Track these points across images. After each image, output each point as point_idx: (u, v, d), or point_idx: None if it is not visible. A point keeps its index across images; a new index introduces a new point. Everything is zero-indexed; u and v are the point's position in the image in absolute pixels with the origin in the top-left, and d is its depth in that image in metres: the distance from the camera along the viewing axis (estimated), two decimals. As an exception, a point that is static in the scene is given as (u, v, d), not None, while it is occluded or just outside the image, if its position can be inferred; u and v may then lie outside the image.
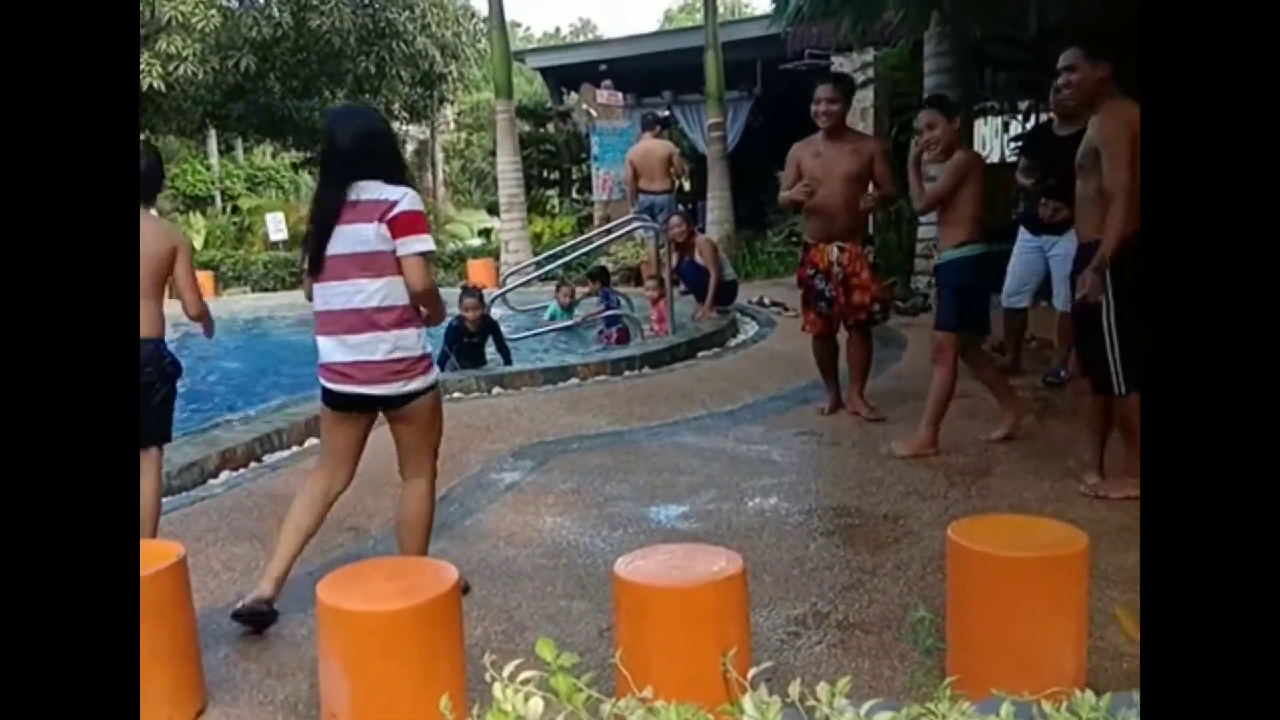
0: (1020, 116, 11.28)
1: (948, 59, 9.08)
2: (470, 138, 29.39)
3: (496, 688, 1.64)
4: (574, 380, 6.17)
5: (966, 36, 8.76)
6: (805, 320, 5.26)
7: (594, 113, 12.26)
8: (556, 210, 15.23)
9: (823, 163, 4.94)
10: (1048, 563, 2.26)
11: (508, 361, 7.04)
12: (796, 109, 13.00)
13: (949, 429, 4.59)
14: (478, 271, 12.60)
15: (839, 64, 11.43)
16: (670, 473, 4.37)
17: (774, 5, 7.95)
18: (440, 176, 26.30)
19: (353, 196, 2.82)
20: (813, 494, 4.01)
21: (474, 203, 28.46)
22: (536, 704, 1.63)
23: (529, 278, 10.21)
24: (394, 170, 2.90)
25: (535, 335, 8.26)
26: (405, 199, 2.81)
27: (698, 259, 8.34)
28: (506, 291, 9.02)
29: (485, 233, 17.73)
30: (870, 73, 10.73)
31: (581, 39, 36.38)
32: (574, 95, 14.66)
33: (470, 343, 7.15)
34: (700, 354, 6.86)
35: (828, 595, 3.05)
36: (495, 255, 13.35)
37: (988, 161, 11.38)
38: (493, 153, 14.72)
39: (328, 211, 2.85)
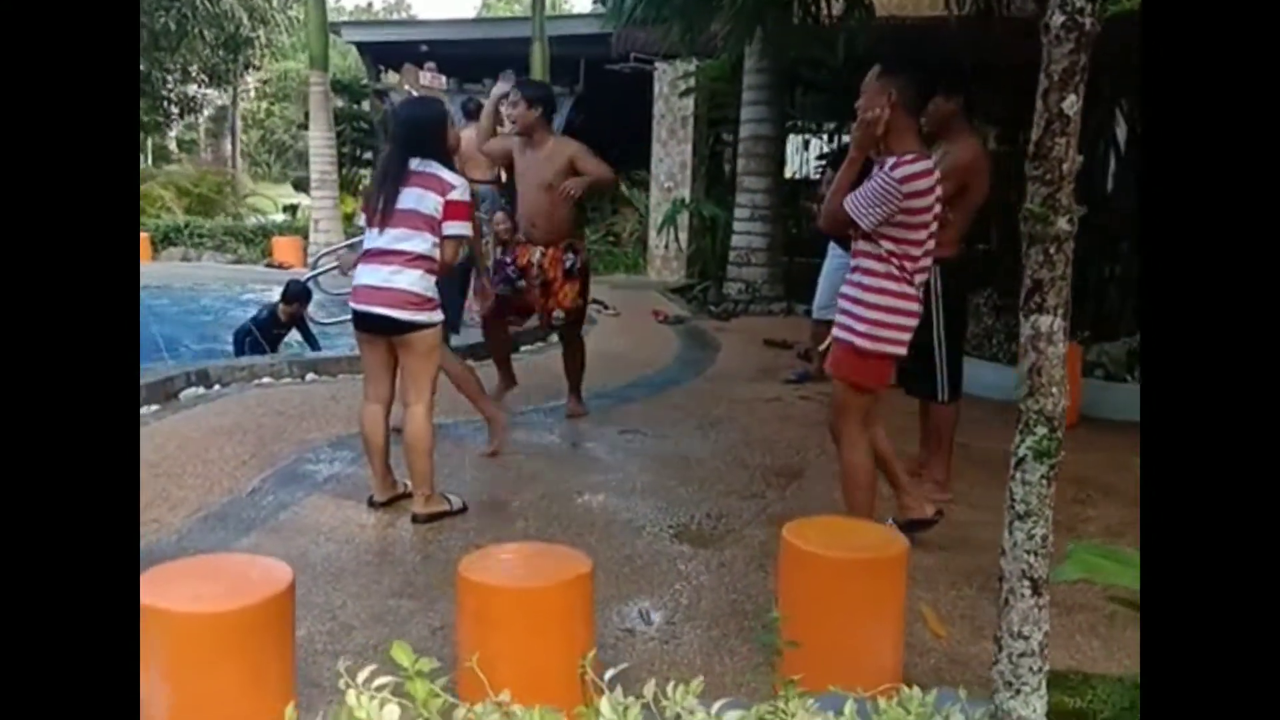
0: (825, 136, 11.94)
1: (766, 76, 9.49)
2: (273, 108, 27.90)
3: (350, 694, 1.59)
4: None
5: (783, 57, 9.16)
6: (481, 298, 5.12)
7: (415, 94, 11.92)
8: (369, 191, 14.73)
9: (523, 167, 5.01)
10: (873, 564, 2.40)
11: (315, 349, 6.76)
12: (618, 109, 13.22)
13: (770, 432, 4.78)
14: (284, 249, 12.00)
15: (662, 70, 11.67)
16: (496, 468, 4.34)
17: (607, 5, 8.01)
18: (239, 146, 24.82)
19: (415, 167, 3.56)
20: (638, 492, 4.08)
21: (272, 176, 27.04)
22: (392, 711, 1.59)
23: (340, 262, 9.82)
24: (446, 156, 3.67)
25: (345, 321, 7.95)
26: (460, 188, 3.58)
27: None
28: (320, 274, 8.64)
29: (291, 209, 16.90)
30: (692, 81, 11.01)
31: (394, 18, 35.25)
32: (393, 74, 14.21)
33: (277, 334, 6.86)
34: (523, 349, 6.83)
35: (657, 591, 3.12)
36: (303, 233, 12.75)
37: (792, 178, 11.96)
38: (301, 125, 14.11)
39: (397, 176, 3.56)
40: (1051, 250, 1.61)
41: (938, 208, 3.12)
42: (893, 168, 3.00)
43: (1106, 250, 6.21)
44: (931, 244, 3.13)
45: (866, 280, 3.13)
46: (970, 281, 4.87)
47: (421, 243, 3.53)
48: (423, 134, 3.64)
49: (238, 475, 4.05)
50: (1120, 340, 5.59)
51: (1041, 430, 1.64)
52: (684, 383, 6.22)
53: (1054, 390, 1.63)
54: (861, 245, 3.14)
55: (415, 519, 3.62)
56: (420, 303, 3.54)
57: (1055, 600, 2.97)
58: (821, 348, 3.35)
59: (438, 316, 3.62)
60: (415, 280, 3.53)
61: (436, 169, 3.58)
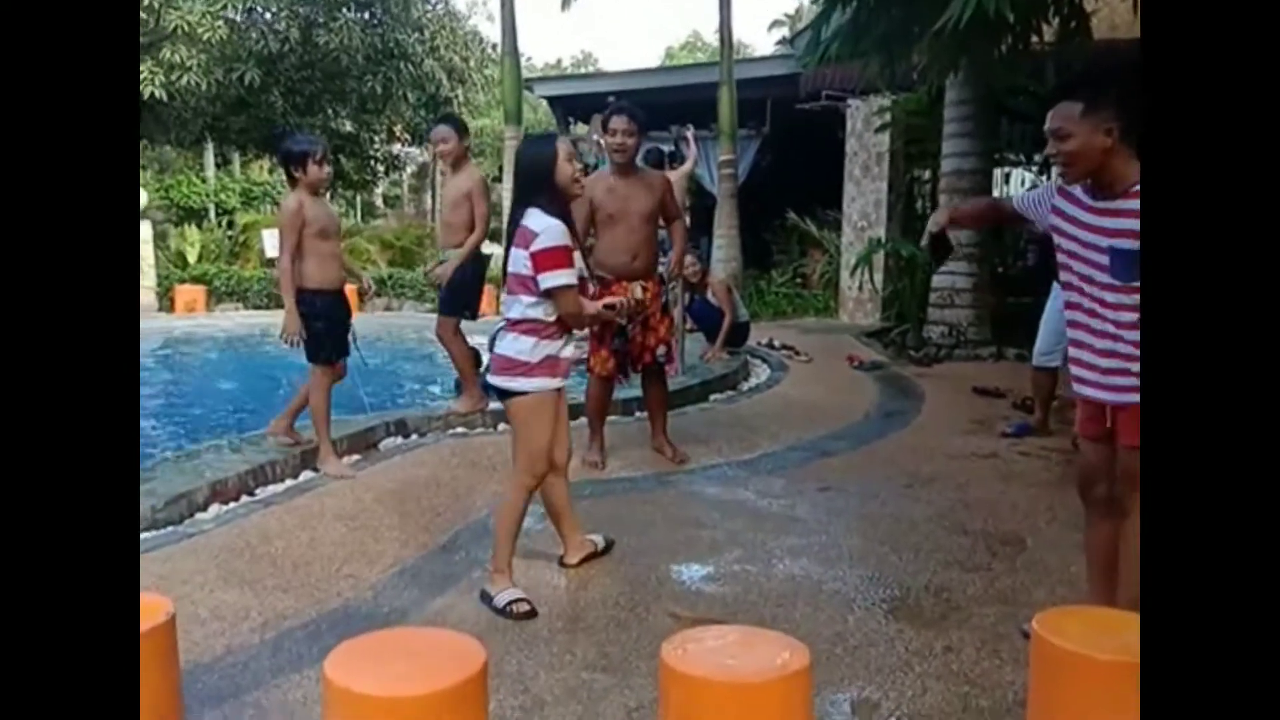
0: (1035, 169, 11.22)
1: (969, 107, 8.99)
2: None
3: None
4: (582, 419, 5.89)
5: (987, 87, 8.67)
6: (595, 359, 4.89)
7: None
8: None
9: (617, 198, 4.72)
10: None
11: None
12: (806, 148, 12.96)
13: (990, 493, 4.34)
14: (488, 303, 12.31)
15: (855, 106, 11.34)
16: (690, 526, 4.10)
17: (797, 46, 7.80)
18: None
19: (523, 221, 3.19)
20: (845, 558, 3.74)
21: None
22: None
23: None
24: (553, 198, 3.19)
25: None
26: (545, 233, 3.12)
27: (710, 299, 8.13)
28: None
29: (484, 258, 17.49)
30: (888, 116, 10.61)
31: (583, 71, 36.43)
32: (581, 125, 14.52)
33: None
34: (713, 397, 6.61)
35: (875, 679, 2.78)
36: (496, 284, 13.10)
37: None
38: (495, 178, 14.57)
39: (508, 234, 3.27)
40: None
41: None
42: None
43: None
44: None
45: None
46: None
47: (518, 306, 3.21)
48: (524, 178, 3.27)
49: (433, 529, 4.00)
50: None
51: None
52: (887, 435, 5.80)
53: None
54: (1123, 299, 2.69)
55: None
56: (511, 368, 3.23)
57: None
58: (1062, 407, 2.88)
59: (536, 384, 3.25)
60: (509, 345, 3.24)
61: (530, 218, 3.18)
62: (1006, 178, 13.16)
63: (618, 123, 4.68)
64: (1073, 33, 6.69)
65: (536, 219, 3.15)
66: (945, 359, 8.38)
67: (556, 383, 3.30)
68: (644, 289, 4.71)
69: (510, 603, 3.20)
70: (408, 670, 1.96)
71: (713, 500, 4.51)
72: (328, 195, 5.79)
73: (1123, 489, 2.74)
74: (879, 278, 10.33)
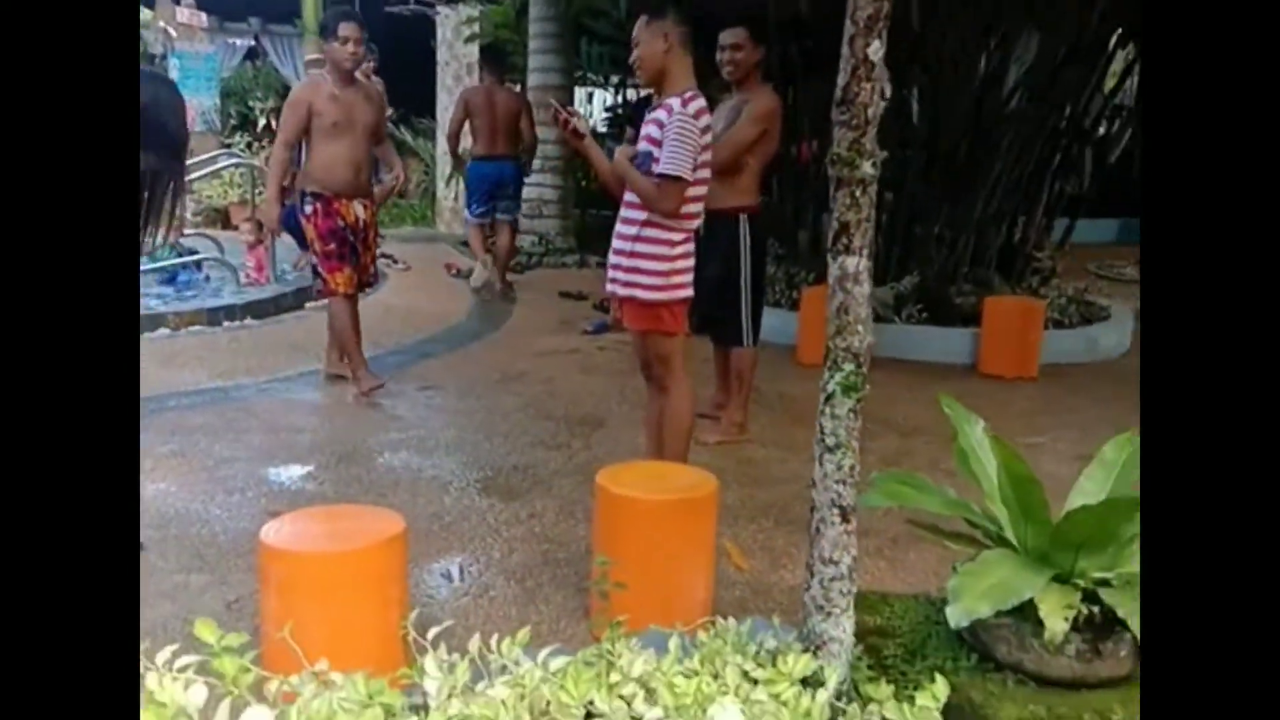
0: (612, 89, 11.97)
1: (551, 24, 9.36)
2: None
3: (151, 677, 1.47)
4: (164, 330, 5.55)
5: (567, 6, 9.06)
6: (337, 280, 4.50)
7: (173, 32, 10.93)
8: (123, 139, 13.40)
9: (341, 107, 4.44)
10: (687, 504, 2.47)
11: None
12: (399, 54, 12.65)
13: (573, 384, 4.78)
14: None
15: (445, 15, 11.28)
16: (288, 431, 4.11)
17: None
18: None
19: None
20: (442, 448, 3.99)
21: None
22: (199, 691, 1.48)
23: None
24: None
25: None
26: None
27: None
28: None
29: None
30: (476, 28, 10.71)
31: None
32: (148, 11, 12.96)
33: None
34: (309, 305, 6.48)
35: (468, 547, 3.07)
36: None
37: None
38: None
39: None
40: (857, 193, 1.67)
41: (709, 148, 3.13)
42: (684, 104, 3.00)
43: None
44: (704, 185, 3.12)
45: (648, 232, 3.08)
46: (770, 230, 5.05)
47: None
48: None
49: None
50: (887, 285, 5.98)
51: (849, 366, 1.71)
52: (483, 336, 6.12)
53: (860, 328, 1.70)
54: (631, 196, 3.15)
55: None
56: None
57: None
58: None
59: None
60: None
61: None
62: (590, 96, 13.87)
63: (349, 30, 4.35)
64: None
65: None
66: (536, 266, 8.87)
67: None
68: (364, 207, 4.53)
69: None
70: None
71: (310, 404, 4.53)
72: None
73: (655, 370, 3.26)
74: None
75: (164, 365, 4.93)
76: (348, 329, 4.57)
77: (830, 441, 1.74)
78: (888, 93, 1.63)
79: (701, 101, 3.04)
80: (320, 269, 4.53)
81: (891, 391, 4.61)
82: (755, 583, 2.90)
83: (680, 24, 3.06)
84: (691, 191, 3.06)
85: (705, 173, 3.10)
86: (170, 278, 6.61)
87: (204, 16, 11.36)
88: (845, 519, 1.77)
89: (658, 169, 2.99)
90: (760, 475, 3.76)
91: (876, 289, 5.97)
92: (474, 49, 11.07)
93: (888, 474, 2.10)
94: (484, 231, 7.27)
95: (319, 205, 4.43)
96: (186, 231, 7.99)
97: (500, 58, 7.84)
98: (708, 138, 3.06)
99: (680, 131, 2.97)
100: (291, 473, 3.67)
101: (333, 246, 4.47)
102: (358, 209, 4.51)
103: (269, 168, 4.64)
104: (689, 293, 3.15)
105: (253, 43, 13.91)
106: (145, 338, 5.40)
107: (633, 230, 3.11)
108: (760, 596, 2.81)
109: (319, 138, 4.42)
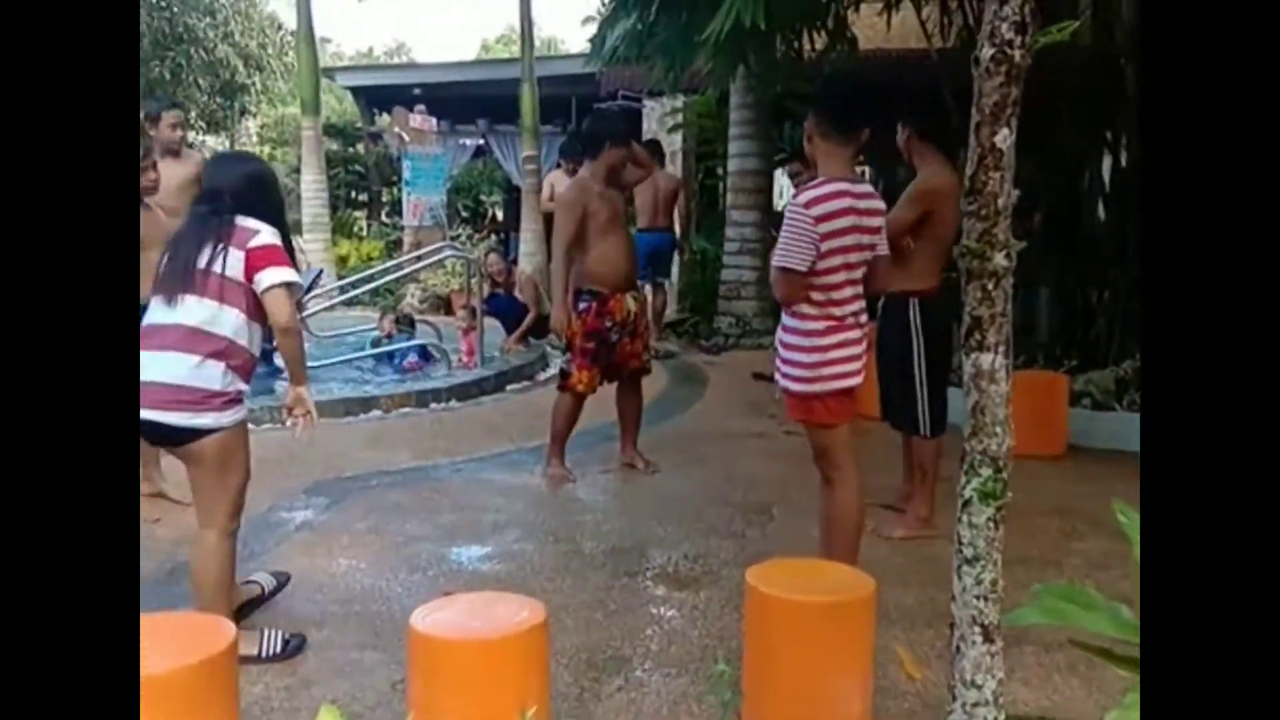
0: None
1: (750, 111, 9.52)
2: (274, 153, 28.15)
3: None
4: (376, 412, 5.95)
5: (768, 91, 9.18)
6: (581, 379, 4.62)
7: (406, 136, 11.98)
8: (364, 233, 14.76)
9: (609, 205, 4.57)
10: (838, 607, 2.34)
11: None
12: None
13: (754, 468, 4.70)
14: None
15: (650, 106, 11.73)
16: (473, 510, 4.27)
17: (590, 45, 8.05)
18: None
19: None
20: (617, 533, 4.01)
21: (276, 220, 27.13)
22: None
23: (332, 302, 9.80)
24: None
25: (336, 363, 7.92)
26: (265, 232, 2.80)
27: (517, 295, 8.33)
28: (308, 316, 8.61)
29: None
30: (680, 117, 11.05)
31: (395, 61, 35.62)
32: (386, 117, 14.31)
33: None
34: (509, 387, 6.78)
35: (629, 638, 3.04)
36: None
37: (781, 210, 12.03)
38: (297, 169, 14.14)
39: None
40: (989, 286, 1.56)
41: (853, 232, 3.02)
42: (795, 196, 3.04)
43: (1094, 278, 6.17)
44: (844, 272, 3.02)
45: (789, 322, 3.08)
46: (952, 312, 4.82)
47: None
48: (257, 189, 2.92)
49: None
50: (1108, 369, 5.53)
51: (986, 471, 1.58)
52: (671, 418, 6.16)
53: (998, 430, 1.58)
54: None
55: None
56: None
57: (1033, 638, 2.91)
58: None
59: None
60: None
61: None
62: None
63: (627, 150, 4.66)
64: (840, 39, 7.23)
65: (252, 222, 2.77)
66: (732, 348, 8.88)
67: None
68: (634, 300, 4.72)
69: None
70: (160, 648, 2.03)
71: (499, 485, 4.69)
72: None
73: (818, 462, 3.16)
74: (675, 271, 10.78)
75: (371, 446, 5.27)
76: (564, 421, 4.76)
77: (969, 553, 1.61)
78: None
79: (819, 191, 2.99)
80: (571, 363, 4.66)
81: (1107, 487, 4.19)
82: (927, 694, 2.70)
83: (817, 113, 3.11)
84: (820, 280, 3.00)
85: (835, 260, 3.00)
86: (392, 358, 7.15)
87: (434, 121, 12.37)
88: (988, 638, 1.62)
89: (772, 260, 3.04)
90: (944, 576, 3.47)
91: (1096, 373, 5.55)
92: (678, 138, 11.42)
93: (1050, 587, 1.90)
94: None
95: (595, 304, 4.57)
96: (416, 318, 8.64)
97: (656, 146, 8.78)
98: (826, 226, 2.96)
99: (789, 223, 2.99)
100: (472, 553, 3.80)
101: (592, 345, 4.59)
102: (629, 303, 4.67)
103: (554, 273, 4.71)
104: (849, 383, 3.05)
105: (480, 141, 14.98)
106: (359, 419, 5.82)
107: (783, 320, 3.12)
108: (931, 710, 2.60)
109: (595, 237, 4.53)
